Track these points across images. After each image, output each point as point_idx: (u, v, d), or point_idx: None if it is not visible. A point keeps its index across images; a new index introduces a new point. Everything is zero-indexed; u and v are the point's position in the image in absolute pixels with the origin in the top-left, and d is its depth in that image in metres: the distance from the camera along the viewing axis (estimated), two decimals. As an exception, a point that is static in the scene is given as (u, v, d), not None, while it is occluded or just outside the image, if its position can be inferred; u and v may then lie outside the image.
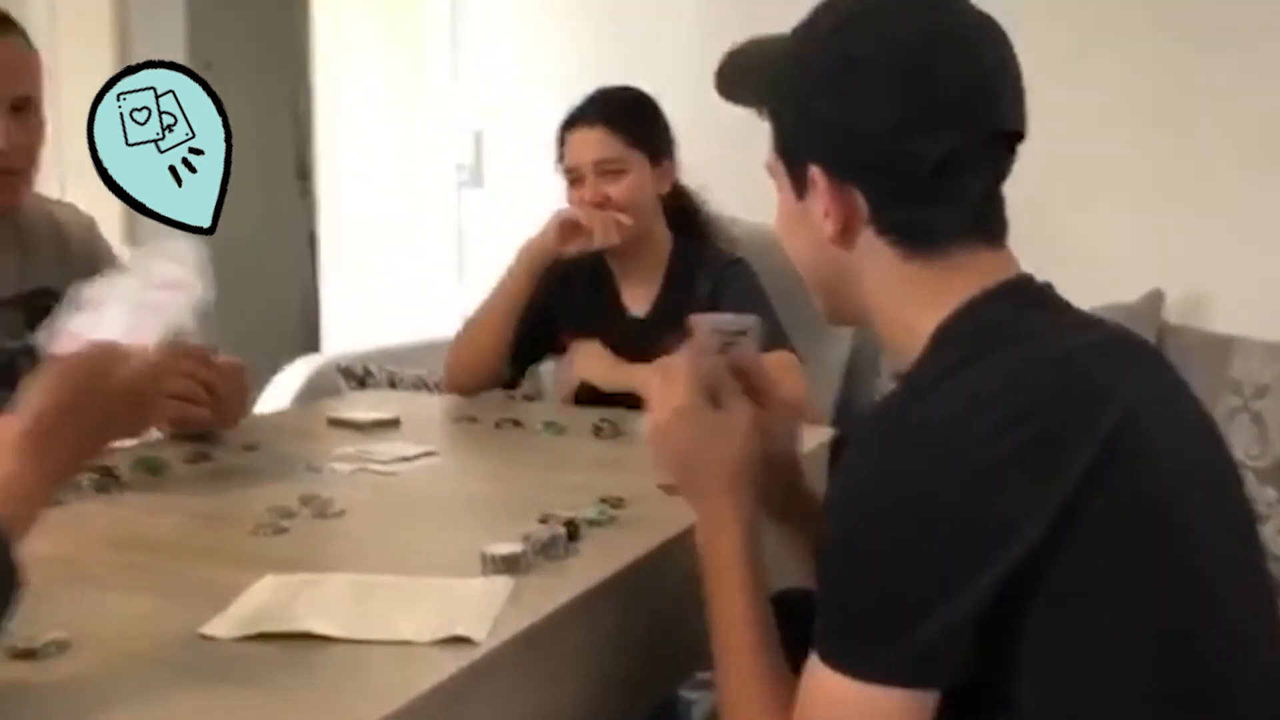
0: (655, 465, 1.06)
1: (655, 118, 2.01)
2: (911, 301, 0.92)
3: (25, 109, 1.54)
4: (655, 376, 1.06)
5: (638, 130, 1.96)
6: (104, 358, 0.98)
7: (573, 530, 1.15)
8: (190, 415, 1.51)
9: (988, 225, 0.93)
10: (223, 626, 0.91)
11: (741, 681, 0.95)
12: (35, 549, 1.08)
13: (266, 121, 5.15)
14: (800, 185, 0.95)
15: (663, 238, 2.02)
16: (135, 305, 1.08)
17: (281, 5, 5.04)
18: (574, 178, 1.96)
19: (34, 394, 0.94)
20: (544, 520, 1.16)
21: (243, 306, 4.72)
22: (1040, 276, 0.95)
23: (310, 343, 3.48)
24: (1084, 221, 2.44)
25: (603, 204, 1.93)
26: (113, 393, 0.97)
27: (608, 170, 1.93)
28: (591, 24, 2.92)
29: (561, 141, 1.98)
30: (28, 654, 0.86)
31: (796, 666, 0.88)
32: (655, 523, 1.22)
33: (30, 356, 1.68)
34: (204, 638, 0.90)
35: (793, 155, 0.95)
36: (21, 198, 1.59)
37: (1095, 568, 0.79)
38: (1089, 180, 2.46)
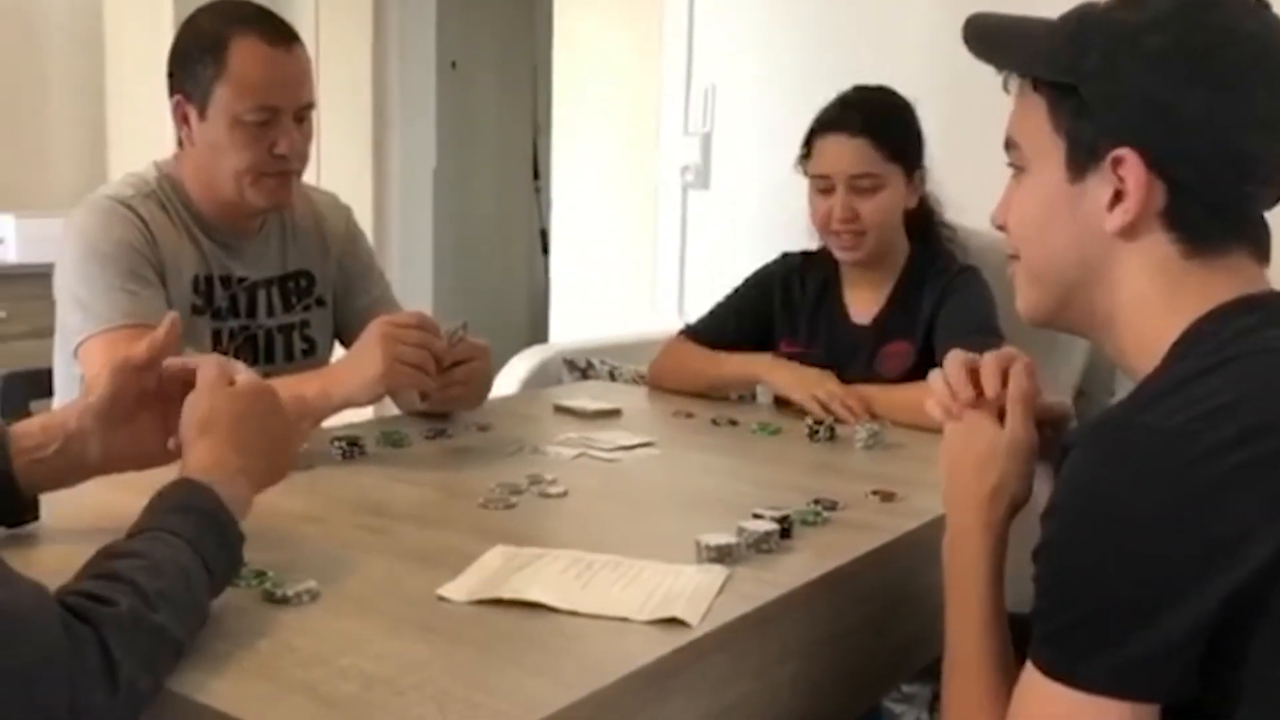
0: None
1: (912, 126, 1.91)
2: (1169, 303, 0.89)
3: (306, 116, 1.67)
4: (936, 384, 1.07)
5: (898, 143, 1.87)
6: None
7: (786, 527, 1.16)
8: (416, 383, 1.52)
9: (1261, 236, 0.90)
10: (457, 590, 0.98)
11: (965, 692, 0.95)
12: (291, 507, 1.19)
13: (505, 122, 5.38)
14: (1083, 168, 0.90)
15: (900, 248, 1.94)
16: None
17: (523, 9, 5.25)
18: (824, 187, 1.88)
19: (205, 394, 1.03)
20: (757, 516, 1.18)
21: (476, 297, 4.96)
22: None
23: (537, 334, 3.61)
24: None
25: (851, 220, 1.86)
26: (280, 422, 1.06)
27: (863, 187, 1.85)
28: (826, 25, 2.90)
29: (809, 143, 1.91)
30: (283, 599, 0.94)
31: None
32: (868, 527, 1.22)
33: (286, 333, 1.83)
34: (440, 599, 0.96)
35: (1095, 136, 0.89)
36: (294, 194, 1.73)
37: None
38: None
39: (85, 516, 1.11)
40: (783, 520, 1.17)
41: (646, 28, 3.19)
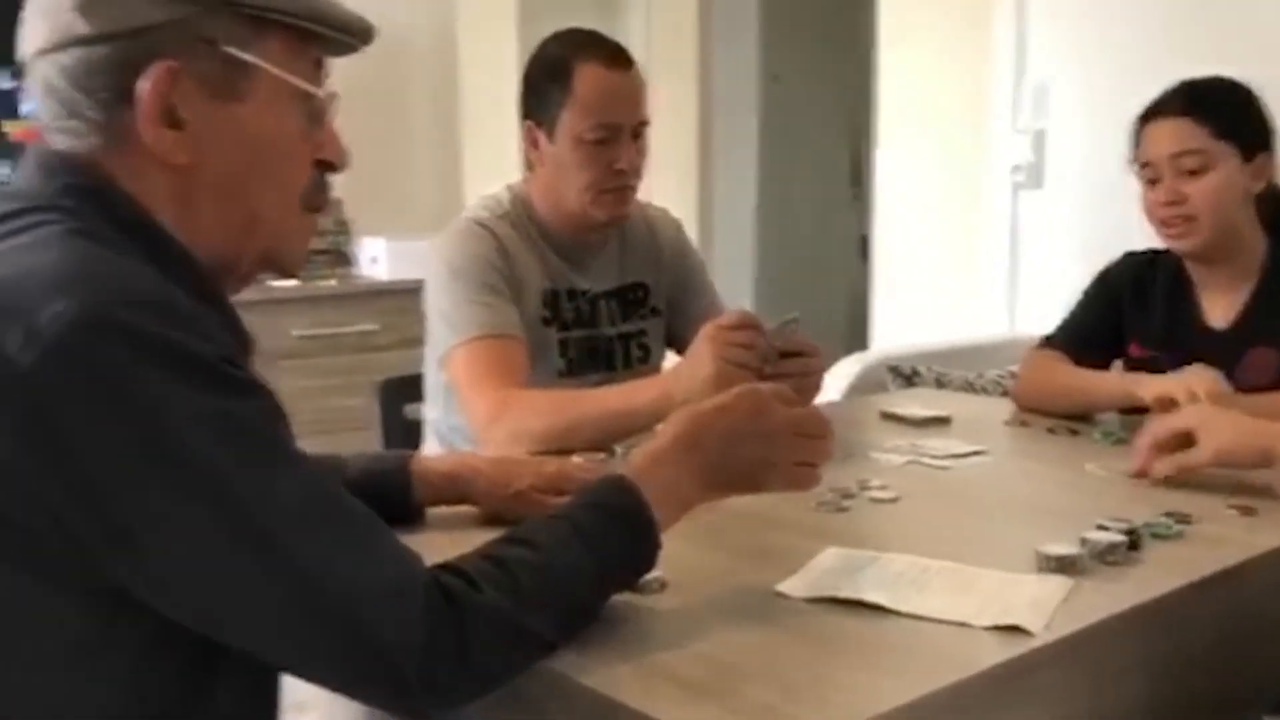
0: None
1: (1249, 105, 1.78)
2: None
3: (641, 133, 1.77)
4: None
5: (1227, 119, 1.75)
6: (767, 398, 1.04)
7: (1134, 539, 1.12)
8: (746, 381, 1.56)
9: None
10: (795, 586, 1.01)
11: None
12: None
13: (825, 131, 5.40)
14: None
15: (1254, 242, 1.79)
16: None
17: (845, 20, 5.25)
18: (1150, 178, 1.79)
19: (691, 409, 1.05)
20: (1102, 527, 1.14)
21: (796, 304, 4.99)
22: None
23: (856, 341, 3.60)
24: None
25: (1178, 203, 1.75)
26: (767, 433, 1.03)
27: (1187, 168, 1.74)
28: (1167, 14, 2.73)
29: (1137, 136, 1.83)
30: (635, 588, 1.01)
31: None
32: (1227, 542, 1.16)
33: (624, 342, 1.94)
34: (778, 594, 1.01)
35: None
36: (632, 208, 1.84)
37: None
38: None
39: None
40: (1130, 532, 1.12)
41: (975, 25, 3.12)
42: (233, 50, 0.88)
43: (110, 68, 0.85)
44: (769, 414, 1.03)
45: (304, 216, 0.97)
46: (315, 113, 0.95)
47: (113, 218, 0.85)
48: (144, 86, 0.85)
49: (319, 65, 0.95)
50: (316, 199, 0.98)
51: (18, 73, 0.91)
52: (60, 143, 0.88)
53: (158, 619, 0.78)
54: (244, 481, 0.77)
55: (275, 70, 0.90)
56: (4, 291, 0.76)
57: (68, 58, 0.86)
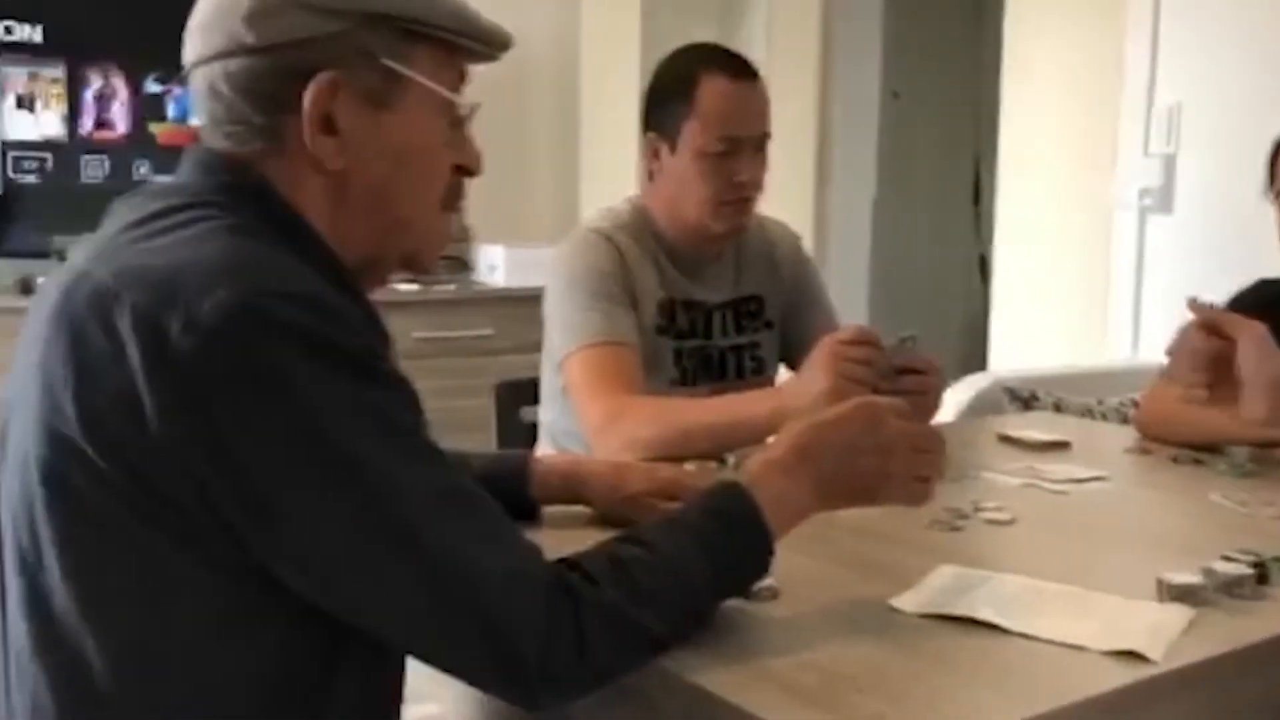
0: None
1: None
2: None
3: (763, 146, 1.79)
4: None
5: None
6: (883, 411, 1.04)
7: (1262, 572, 1.09)
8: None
9: None
10: (909, 601, 1.01)
11: None
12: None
13: (945, 150, 5.34)
14: None
15: None
16: None
17: (969, 38, 5.18)
18: None
19: (808, 420, 1.05)
20: (1228, 558, 1.11)
21: (911, 322, 4.93)
22: None
23: (972, 362, 3.55)
24: None
25: None
26: (883, 446, 1.02)
27: None
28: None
29: (1272, 163, 1.79)
30: (747, 595, 1.01)
31: None
32: (1363, 581, 1.11)
33: (737, 354, 1.95)
34: (891, 608, 1.00)
35: None
36: (751, 221, 1.85)
37: None
38: None
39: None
40: (1258, 565, 1.09)
41: (1104, 46, 3.05)
42: (390, 63, 0.93)
43: (275, 77, 0.90)
44: (885, 427, 1.03)
45: (442, 217, 1.01)
46: (456, 120, 0.99)
47: (268, 216, 0.90)
48: (308, 95, 0.90)
49: (462, 76, 0.99)
50: (454, 202, 1.02)
51: (165, 78, 0.96)
52: (220, 145, 0.93)
53: (296, 599, 0.82)
54: (382, 468, 0.80)
55: (426, 81, 0.95)
56: (168, 279, 0.81)
57: (234, 65, 0.91)
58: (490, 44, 0.99)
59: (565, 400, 1.79)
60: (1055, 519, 1.35)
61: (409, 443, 0.84)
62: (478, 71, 1.02)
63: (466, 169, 1.02)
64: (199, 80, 0.93)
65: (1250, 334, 1.38)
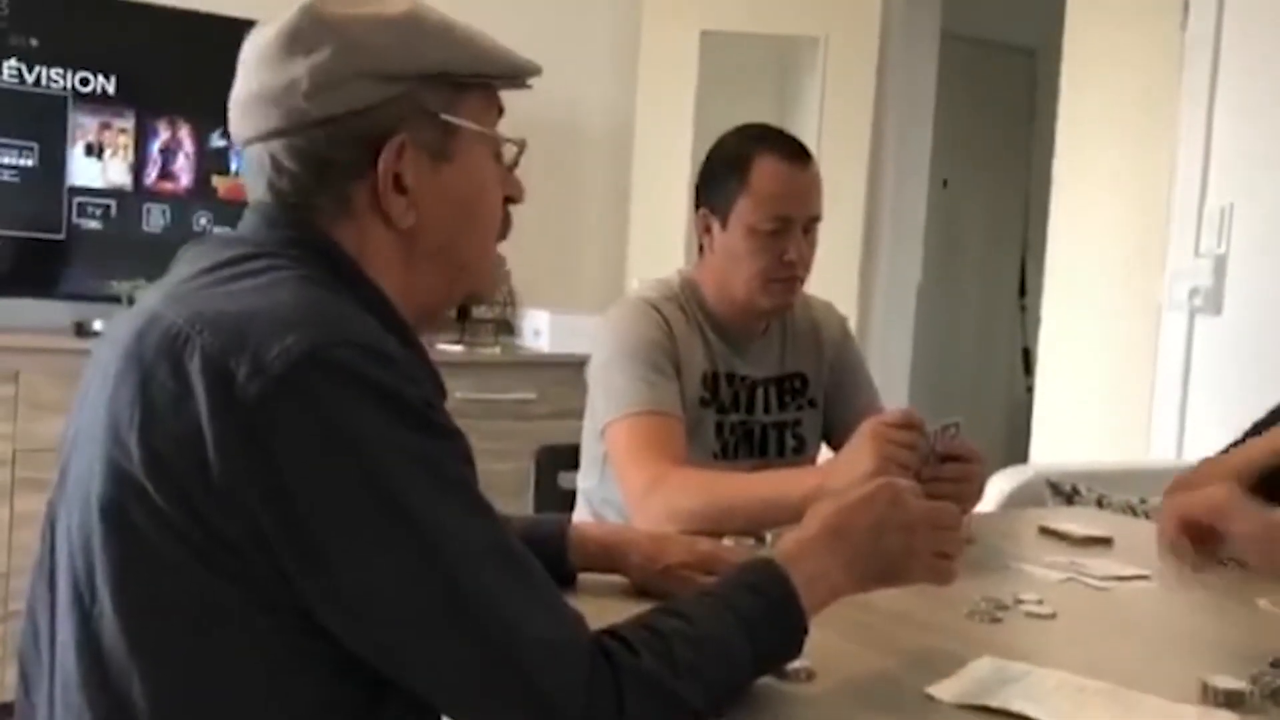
0: None
1: None
2: None
3: (813, 227, 1.81)
4: None
5: None
6: (904, 491, 1.06)
7: (1310, 682, 1.06)
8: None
9: None
10: (946, 690, 1.00)
11: None
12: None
13: (992, 241, 5.35)
14: None
15: None
16: None
17: (1020, 130, 5.22)
18: None
19: (836, 500, 1.06)
20: (1276, 665, 1.09)
21: (953, 409, 4.90)
22: None
23: (1014, 454, 3.52)
24: None
25: None
26: (907, 524, 1.04)
27: None
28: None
29: None
30: (782, 673, 1.01)
31: None
32: None
33: (779, 430, 1.95)
34: (929, 697, 0.99)
35: None
36: (798, 299, 1.86)
37: None
38: None
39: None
40: (1306, 674, 1.07)
41: (1156, 144, 3.06)
42: (447, 117, 0.95)
43: (342, 146, 0.93)
44: (907, 505, 1.05)
45: (495, 249, 1.04)
46: (498, 154, 1.02)
47: (334, 270, 0.92)
48: (381, 160, 0.93)
49: (501, 111, 1.02)
50: (506, 232, 1.05)
51: (229, 134, 0.99)
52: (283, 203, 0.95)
53: (344, 646, 0.83)
54: (436, 518, 0.81)
55: (479, 128, 0.98)
56: (238, 325, 0.83)
57: (299, 140, 0.93)
58: (525, 76, 1.02)
59: (605, 468, 1.79)
60: (1097, 615, 1.33)
61: (463, 494, 0.84)
62: (532, 137, 1.06)
63: (513, 198, 1.05)
64: (257, 153, 0.95)
65: (1244, 529, 1.31)
